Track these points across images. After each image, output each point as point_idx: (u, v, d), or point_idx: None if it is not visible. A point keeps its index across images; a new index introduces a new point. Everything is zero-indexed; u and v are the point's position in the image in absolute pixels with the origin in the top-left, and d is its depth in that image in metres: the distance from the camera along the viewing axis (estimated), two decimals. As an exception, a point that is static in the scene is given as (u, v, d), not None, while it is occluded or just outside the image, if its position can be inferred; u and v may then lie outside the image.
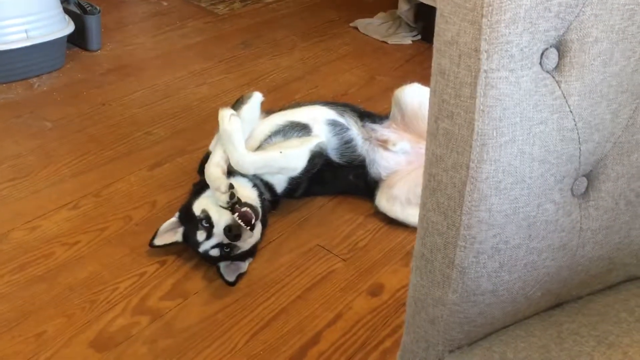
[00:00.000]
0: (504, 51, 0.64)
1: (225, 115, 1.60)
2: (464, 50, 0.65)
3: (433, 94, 0.70)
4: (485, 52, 0.64)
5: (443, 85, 0.68)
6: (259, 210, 1.56)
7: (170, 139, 2.03)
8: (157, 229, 1.57)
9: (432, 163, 0.72)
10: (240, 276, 1.55)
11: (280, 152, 1.63)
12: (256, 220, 1.50)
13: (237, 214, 1.48)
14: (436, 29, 0.68)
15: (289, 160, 1.65)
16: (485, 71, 0.64)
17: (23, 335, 1.36)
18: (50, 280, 1.50)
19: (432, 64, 0.70)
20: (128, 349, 1.36)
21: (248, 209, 1.48)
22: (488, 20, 0.63)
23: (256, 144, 1.69)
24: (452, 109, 0.68)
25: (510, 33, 0.63)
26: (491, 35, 0.63)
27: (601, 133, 0.74)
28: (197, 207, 1.56)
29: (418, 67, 2.56)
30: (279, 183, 1.71)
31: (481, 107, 0.66)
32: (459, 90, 0.67)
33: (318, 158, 1.70)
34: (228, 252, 1.51)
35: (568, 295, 0.85)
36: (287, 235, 1.71)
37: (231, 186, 1.52)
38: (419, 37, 2.81)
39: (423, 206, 0.75)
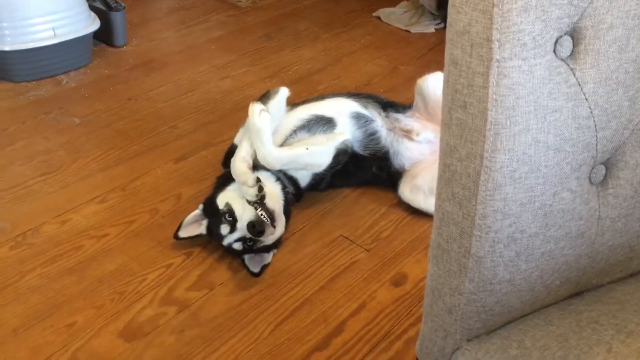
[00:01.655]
0: (516, 40, 0.64)
1: (256, 109, 1.60)
2: (476, 39, 0.65)
3: (446, 84, 0.70)
4: (497, 41, 0.64)
5: (456, 76, 0.68)
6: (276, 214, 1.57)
7: (194, 133, 2.06)
8: (181, 222, 1.60)
9: (447, 153, 0.72)
10: (264, 267, 1.56)
11: (307, 149, 1.64)
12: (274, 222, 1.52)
13: (260, 210, 1.50)
14: (448, 19, 0.68)
15: (315, 157, 1.66)
16: (498, 60, 0.64)
17: (55, 326, 1.40)
18: (80, 272, 1.54)
19: (445, 54, 0.70)
20: (156, 339, 1.39)
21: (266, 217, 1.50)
22: (499, 9, 0.63)
23: (281, 139, 1.70)
24: (465, 99, 0.68)
25: (522, 22, 0.63)
26: (503, 24, 0.63)
27: (618, 120, 0.73)
28: (221, 201, 1.58)
29: (441, 55, 2.48)
30: (303, 178, 1.73)
31: (494, 97, 0.66)
32: (471, 80, 0.67)
33: (343, 155, 1.71)
34: (251, 246, 1.53)
35: (588, 283, 0.84)
36: (310, 226, 1.73)
37: (258, 180, 1.54)
38: (442, 25, 2.79)
39: (438, 196, 0.75)
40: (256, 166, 1.63)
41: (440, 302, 0.80)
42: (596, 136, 0.72)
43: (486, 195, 0.70)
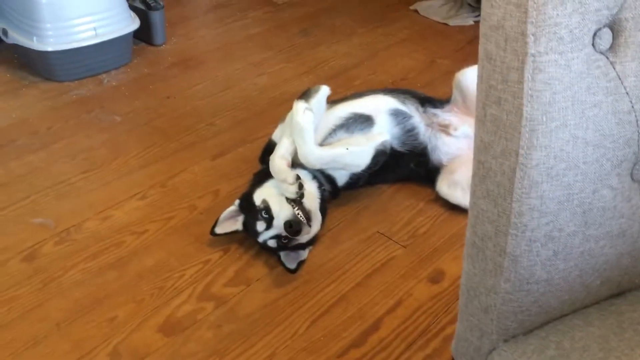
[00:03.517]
0: (552, 33, 0.62)
1: (300, 108, 1.60)
2: (510, 34, 0.63)
3: (480, 79, 0.69)
4: (532, 35, 0.62)
5: (490, 71, 0.67)
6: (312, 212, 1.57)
7: (231, 130, 2.07)
8: (218, 218, 1.61)
9: (481, 150, 0.71)
10: (300, 264, 1.57)
11: (347, 149, 1.64)
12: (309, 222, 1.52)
13: (297, 208, 1.50)
14: (482, 13, 0.66)
15: (355, 157, 1.66)
16: (533, 55, 0.63)
17: (96, 320, 1.44)
18: (121, 267, 1.57)
19: (479, 50, 0.68)
20: (194, 334, 1.41)
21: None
22: (534, 2, 0.61)
23: (321, 138, 1.69)
24: (500, 94, 0.66)
25: (558, 15, 0.61)
26: (538, 17, 0.61)
27: (662, 115, 0.70)
28: (258, 197, 1.58)
29: (480, 48, 2.49)
30: (341, 177, 1.72)
31: (529, 92, 0.64)
32: (506, 76, 0.65)
33: (382, 156, 1.70)
34: (286, 244, 1.54)
35: (630, 283, 0.81)
36: (346, 222, 1.72)
37: (298, 177, 1.54)
38: (482, 17, 2.74)
39: (473, 194, 0.74)
40: (294, 164, 1.63)
41: (476, 302, 0.78)
42: (638, 132, 0.70)
43: (522, 193, 0.68)
